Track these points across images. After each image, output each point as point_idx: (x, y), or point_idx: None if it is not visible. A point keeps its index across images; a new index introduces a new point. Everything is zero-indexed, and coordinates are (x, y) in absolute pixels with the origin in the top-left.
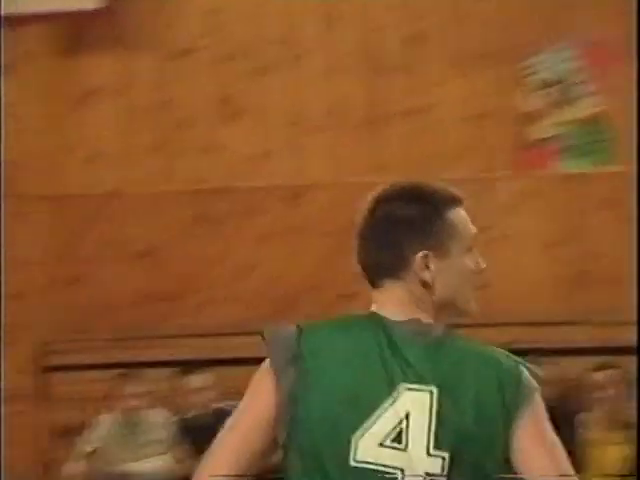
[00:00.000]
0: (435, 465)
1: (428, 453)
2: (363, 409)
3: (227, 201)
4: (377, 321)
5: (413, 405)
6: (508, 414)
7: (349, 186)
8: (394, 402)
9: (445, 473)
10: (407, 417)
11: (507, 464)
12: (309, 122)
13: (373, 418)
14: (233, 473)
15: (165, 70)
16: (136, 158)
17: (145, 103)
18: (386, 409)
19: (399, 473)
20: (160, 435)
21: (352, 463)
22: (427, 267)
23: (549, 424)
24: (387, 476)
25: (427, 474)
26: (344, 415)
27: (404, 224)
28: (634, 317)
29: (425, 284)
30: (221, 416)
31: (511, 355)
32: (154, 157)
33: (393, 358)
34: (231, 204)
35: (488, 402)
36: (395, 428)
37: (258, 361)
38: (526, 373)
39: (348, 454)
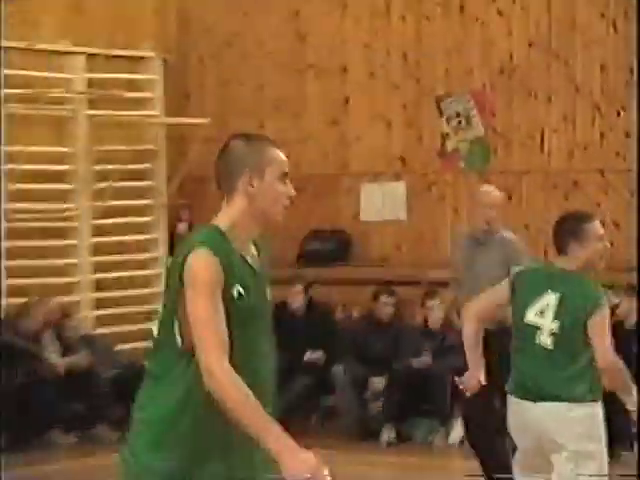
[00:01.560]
0: (555, 326)
1: (552, 320)
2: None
3: None
4: None
5: (550, 302)
6: (588, 314)
7: None
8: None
9: (559, 332)
10: (547, 305)
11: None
12: None
13: (537, 302)
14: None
15: None
16: None
17: None
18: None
19: (541, 327)
20: None
21: (525, 321)
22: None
23: (607, 327)
24: (536, 329)
25: (551, 330)
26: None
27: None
28: None
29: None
30: None
31: (599, 287)
32: None
33: None
34: None
35: (579, 306)
36: (543, 308)
37: None
38: (602, 297)
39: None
